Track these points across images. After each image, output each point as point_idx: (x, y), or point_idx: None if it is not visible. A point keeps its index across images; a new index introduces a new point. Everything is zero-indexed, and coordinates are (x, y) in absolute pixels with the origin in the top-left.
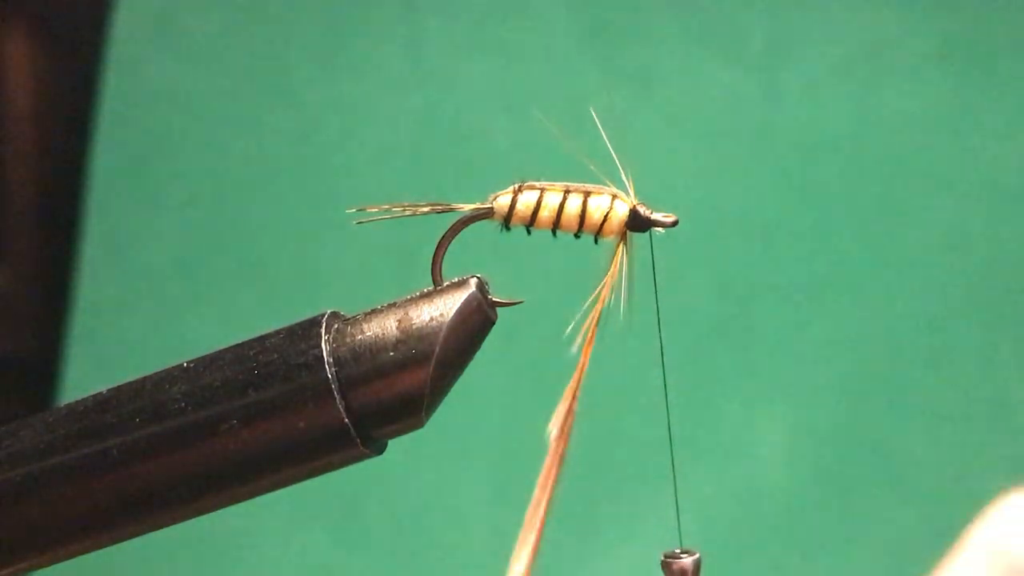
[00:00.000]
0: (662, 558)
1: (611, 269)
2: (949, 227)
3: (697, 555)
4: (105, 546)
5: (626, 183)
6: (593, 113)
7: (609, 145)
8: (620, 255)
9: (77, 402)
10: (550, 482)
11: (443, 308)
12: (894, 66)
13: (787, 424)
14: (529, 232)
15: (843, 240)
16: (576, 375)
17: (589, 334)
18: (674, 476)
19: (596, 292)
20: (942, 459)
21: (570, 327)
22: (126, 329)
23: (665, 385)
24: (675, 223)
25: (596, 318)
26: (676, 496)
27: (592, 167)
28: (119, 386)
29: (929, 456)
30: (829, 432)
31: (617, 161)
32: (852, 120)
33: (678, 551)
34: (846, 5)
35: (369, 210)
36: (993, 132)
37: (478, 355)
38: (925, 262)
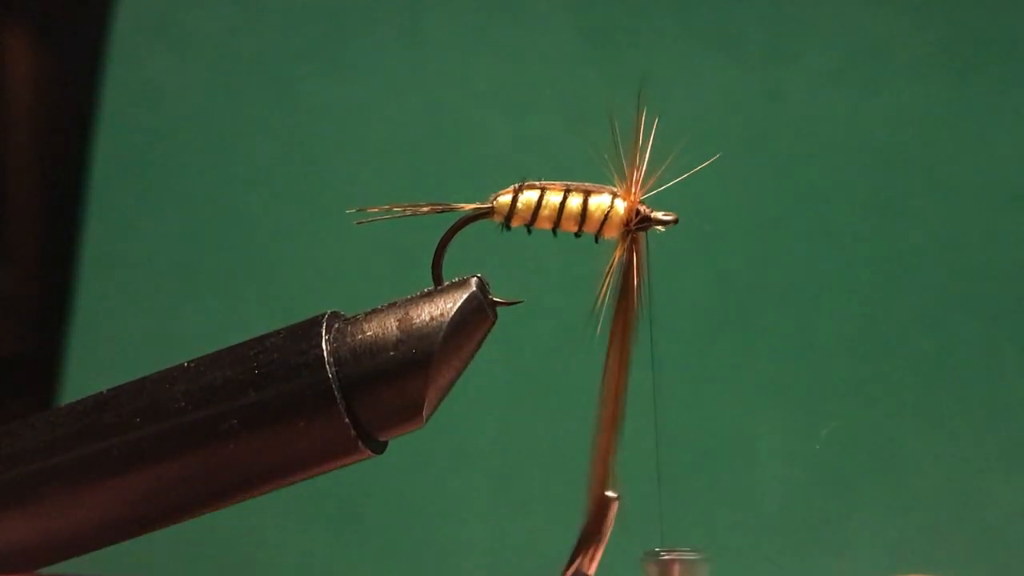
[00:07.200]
0: (642, 555)
1: (610, 265)
2: (949, 227)
3: (680, 554)
4: (105, 545)
5: (631, 183)
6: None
7: (613, 144)
8: (621, 253)
9: (78, 402)
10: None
11: (443, 308)
12: (894, 66)
13: (786, 424)
14: (529, 232)
15: (843, 240)
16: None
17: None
18: (659, 474)
19: (602, 287)
20: (942, 459)
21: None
22: (126, 329)
23: (654, 383)
24: (675, 221)
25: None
26: (660, 494)
27: (606, 161)
28: (120, 386)
29: (929, 456)
30: (829, 432)
31: (619, 160)
32: (852, 120)
33: (658, 550)
34: (846, 5)
35: (369, 210)
36: (993, 132)
37: (478, 355)
38: (925, 262)
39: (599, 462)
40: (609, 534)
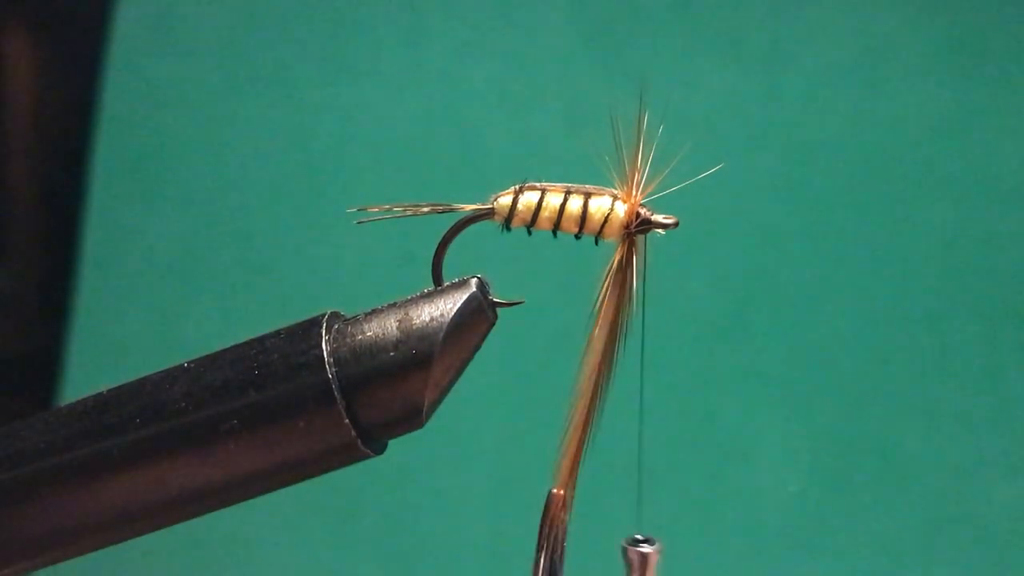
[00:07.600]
0: (622, 544)
1: (610, 269)
2: (949, 227)
3: (657, 544)
4: (105, 546)
5: (632, 185)
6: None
7: (615, 145)
8: (621, 255)
9: (77, 402)
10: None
11: (443, 308)
12: (894, 66)
13: (787, 424)
14: (530, 233)
15: (843, 240)
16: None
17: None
18: (640, 463)
19: (600, 292)
20: (942, 459)
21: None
22: (126, 329)
23: (642, 383)
24: (676, 224)
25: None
26: (640, 481)
27: (606, 163)
28: (119, 386)
29: (929, 456)
30: (829, 432)
31: (620, 161)
32: (852, 121)
33: (639, 537)
34: (846, 5)
35: (369, 210)
36: (993, 132)
37: (478, 355)
38: (925, 262)
39: (566, 461)
40: (564, 529)
